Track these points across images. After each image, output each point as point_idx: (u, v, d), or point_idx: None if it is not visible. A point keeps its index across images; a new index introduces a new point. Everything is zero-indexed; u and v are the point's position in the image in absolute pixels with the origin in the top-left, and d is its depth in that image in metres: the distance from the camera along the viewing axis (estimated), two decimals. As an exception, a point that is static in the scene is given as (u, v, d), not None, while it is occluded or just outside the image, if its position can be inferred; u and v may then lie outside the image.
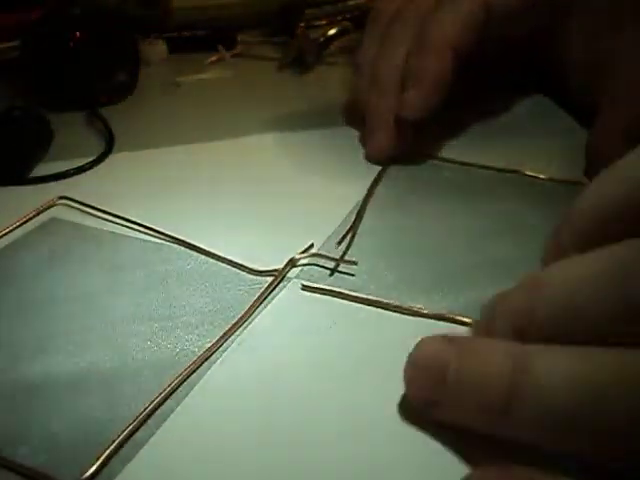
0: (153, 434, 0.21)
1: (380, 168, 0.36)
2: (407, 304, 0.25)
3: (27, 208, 0.32)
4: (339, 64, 0.50)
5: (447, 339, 0.19)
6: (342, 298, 0.26)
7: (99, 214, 0.32)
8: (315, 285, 0.27)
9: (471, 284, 0.27)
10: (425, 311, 0.25)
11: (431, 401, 0.19)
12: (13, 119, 0.37)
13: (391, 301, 0.26)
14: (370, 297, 0.26)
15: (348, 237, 0.29)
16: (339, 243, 0.29)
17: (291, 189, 0.34)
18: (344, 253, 0.28)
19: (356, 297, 0.26)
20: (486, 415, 0.17)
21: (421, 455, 0.20)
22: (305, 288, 0.27)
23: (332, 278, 0.27)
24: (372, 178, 0.35)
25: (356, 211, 0.32)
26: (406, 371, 0.20)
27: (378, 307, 0.26)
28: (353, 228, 0.30)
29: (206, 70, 0.50)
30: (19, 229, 0.31)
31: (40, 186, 0.35)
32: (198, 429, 0.21)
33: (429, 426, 0.20)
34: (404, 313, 0.25)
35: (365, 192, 0.33)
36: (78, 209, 0.32)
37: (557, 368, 0.16)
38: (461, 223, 0.31)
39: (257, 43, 0.52)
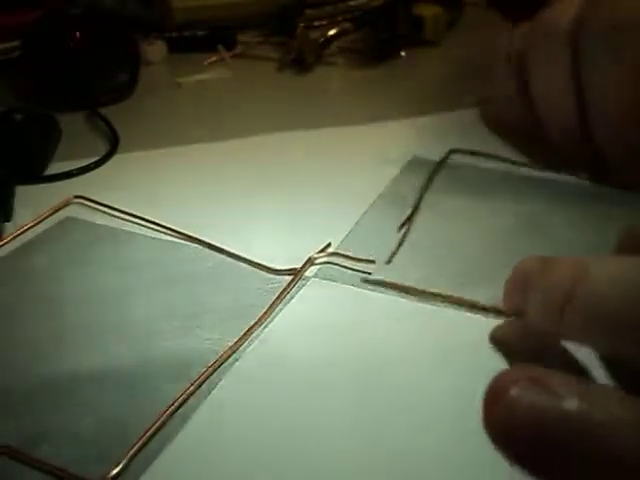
0: (178, 432, 0.21)
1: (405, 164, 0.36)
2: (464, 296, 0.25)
3: (41, 206, 0.32)
4: (339, 64, 0.50)
5: (542, 257, 0.20)
6: (405, 292, 0.26)
7: (115, 213, 0.32)
8: (376, 278, 0.27)
9: (492, 282, 0.27)
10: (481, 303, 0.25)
11: (519, 311, 0.20)
12: (23, 119, 0.36)
13: (454, 294, 0.25)
14: (438, 291, 0.26)
15: (404, 228, 0.29)
16: (401, 227, 0.28)
17: (296, 189, 0.35)
18: (396, 255, 0.28)
19: (421, 291, 0.26)
20: (548, 319, 0.18)
21: (442, 446, 0.20)
22: (366, 281, 0.27)
23: (349, 276, 0.28)
24: (376, 177, 0.35)
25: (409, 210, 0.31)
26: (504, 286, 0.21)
27: (442, 301, 0.25)
28: (408, 222, 0.29)
29: (206, 70, 0.50)
30: (35, 228, 0.31)
31: (50, 185, 0.35)
32: (222, 426, 0.21)
33: (449, 418, 0.21)
34: (457, 305, 0.25)
35: (381, 190, 0.34)
36: (94, 208, 0.32)
37: (610, 275, 0.17)
38: (482, 221, 0.31)
39: (257, 43, 0.52)
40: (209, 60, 0.50)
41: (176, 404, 0.21)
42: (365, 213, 0.32)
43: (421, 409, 0.21)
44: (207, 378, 0.23)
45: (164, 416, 0.21)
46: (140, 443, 0.20)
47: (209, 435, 0.21)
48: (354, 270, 0.28)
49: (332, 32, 0.49)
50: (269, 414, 0.21)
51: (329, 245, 0.29)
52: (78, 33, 0.44)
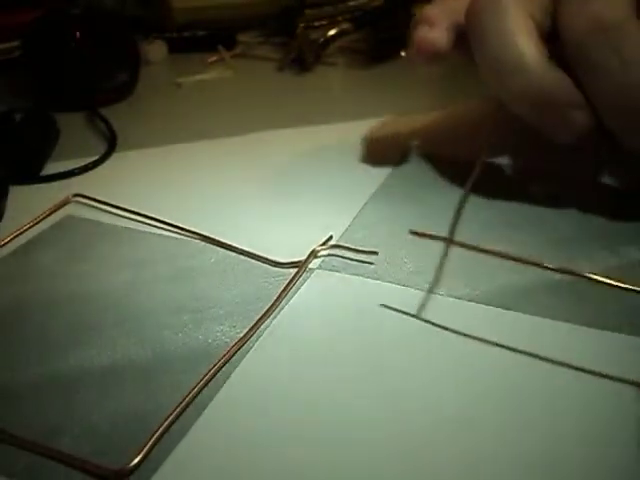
0: (194, 423, 0.21)
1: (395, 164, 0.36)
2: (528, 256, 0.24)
3: (38, 206, 0.32)
4: (339, 64, 0.51)
5: None
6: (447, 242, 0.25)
7: (115, 211, 0.32)
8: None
9: (493, 271, 0.27)
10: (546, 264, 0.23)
11: None
12: (23, 119, 0.36)
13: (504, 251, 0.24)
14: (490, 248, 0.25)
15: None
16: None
17: (296, 186, 0.35)
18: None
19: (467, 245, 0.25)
20: None
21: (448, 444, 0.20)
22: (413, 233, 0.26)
23: (352, 267, 0.28)
24: (374, 172, 0.35)
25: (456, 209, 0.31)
26: None
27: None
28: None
29: (206, 70, 0.50)
30: (35, 227, 0.31)
31: (48, 185, 0.35)
32: (237, 417, 0.21)
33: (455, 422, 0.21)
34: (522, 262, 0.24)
35: (377, 186, 0.34)
36: (93, 206, 0.32)
37: None
38: (477, 214, 0.32)
39: (257, 43, 0.52)
40: (209, 60, 0.51)
41: (192, 394, 0.21)
42: (364, 207, 0.32)
43: (425, 391, 0.22)
44: (220, 368, 0.23)
45: (181, 407, 0.21)
46: (159, 433, 0.20)
47: (225, 425, 0.21)
48: (357, 261, 0.28)
49: (332, 32, 0.49)
50: (281, 401, 0.21)
51: (331, 238, 0.29)
52: (78, 33, 0.44)
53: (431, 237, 0.25)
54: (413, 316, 0.25)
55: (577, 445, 0.20)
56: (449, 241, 0.25)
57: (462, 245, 0.25)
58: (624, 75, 0.26)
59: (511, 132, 0.32)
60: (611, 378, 0.22)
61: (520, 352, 0.23)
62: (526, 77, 0.28)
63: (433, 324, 0.25)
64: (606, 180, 0.34)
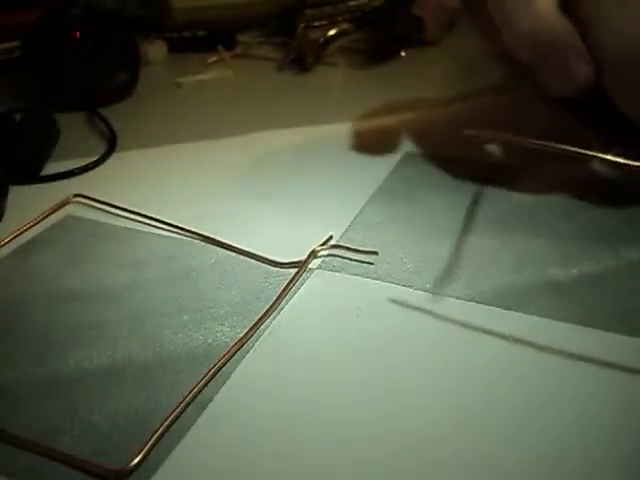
0: (194, 423, 0.21)
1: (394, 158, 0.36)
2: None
3: (38, 206, 0.32)
4: (339, 64, 0.51)
5: None
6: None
7: (115, 211, 0.32)
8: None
9: (491, 270, 0.27)
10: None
11: None
12: (23, 119, 0.36)
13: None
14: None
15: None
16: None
17: (296, 186, 0.35)
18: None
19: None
20: None
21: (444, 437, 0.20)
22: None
23: (352, 267, 0.28)
24: (373, 172, 0.35)
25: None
26: None
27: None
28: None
29: (206, 70, 0.50)
30: (35, 227, 0.31)
31: (47, 185, 0.35)
32: (237, 417, 0.21)
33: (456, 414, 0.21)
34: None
35: (377, 186, 0.34)
36: (93, 206, 0.32)
37: None
38: (478, 213, 0.32)
39: (257, 43, 0.52)
40: (209, 60, 0.50)
41: (192, 394, 0.21)
42: (364, 207, 0.32)
43: (425, 389, 0.22)
44: (220, 368, 0.23)
45: (181, 407, 0.21)
46: (159, 433, 0.20)
47: (226, 424, 0.21)
48: (357, 261, 0.28)
49: (332, 32, 0.49)
50: (281, 401, 0.21)
51: (331, 238, 0.29)
52: (78, 33, 0.44)
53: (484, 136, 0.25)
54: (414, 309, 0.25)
55: (579, 438, 0.20)
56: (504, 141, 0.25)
57: (517, 142, 0.25)
58: (626, 27, 0.27)
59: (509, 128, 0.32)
60: (611, 373, 0.22)
61: (519, 351, 0.23)
62: (538, 14, 0.28)
63: (433, 324, 0.25)
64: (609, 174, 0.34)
